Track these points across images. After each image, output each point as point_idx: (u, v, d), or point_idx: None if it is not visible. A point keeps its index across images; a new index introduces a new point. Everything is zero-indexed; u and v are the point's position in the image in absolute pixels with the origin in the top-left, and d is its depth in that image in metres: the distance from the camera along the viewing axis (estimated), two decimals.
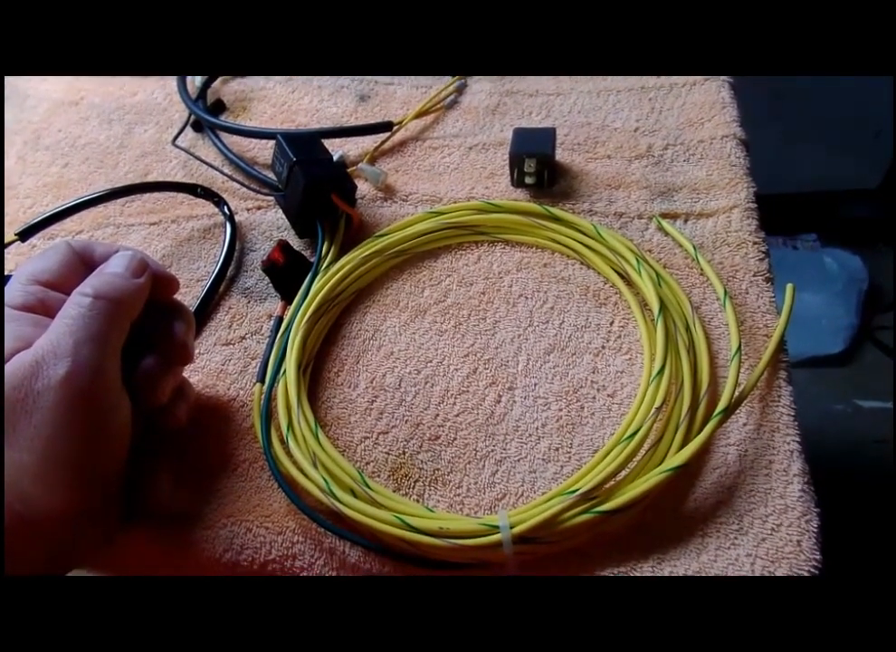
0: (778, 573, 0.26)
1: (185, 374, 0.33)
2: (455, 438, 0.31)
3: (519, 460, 0.30)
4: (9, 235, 0.39)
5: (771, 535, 0.26)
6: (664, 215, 0.38)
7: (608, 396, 0.32)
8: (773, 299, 0.34)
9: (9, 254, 0.42)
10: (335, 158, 0.41)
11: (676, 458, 0.27)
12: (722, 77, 0.44)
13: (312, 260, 0.37)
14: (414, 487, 0.30)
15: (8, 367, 0.24)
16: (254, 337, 0.36)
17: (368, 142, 0.45)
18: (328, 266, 0.37)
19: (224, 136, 0.46)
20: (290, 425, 0.31)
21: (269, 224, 0.42)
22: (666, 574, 0.26)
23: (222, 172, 0.44)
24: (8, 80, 0.55)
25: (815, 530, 0.26)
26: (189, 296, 0.38)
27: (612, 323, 0.34)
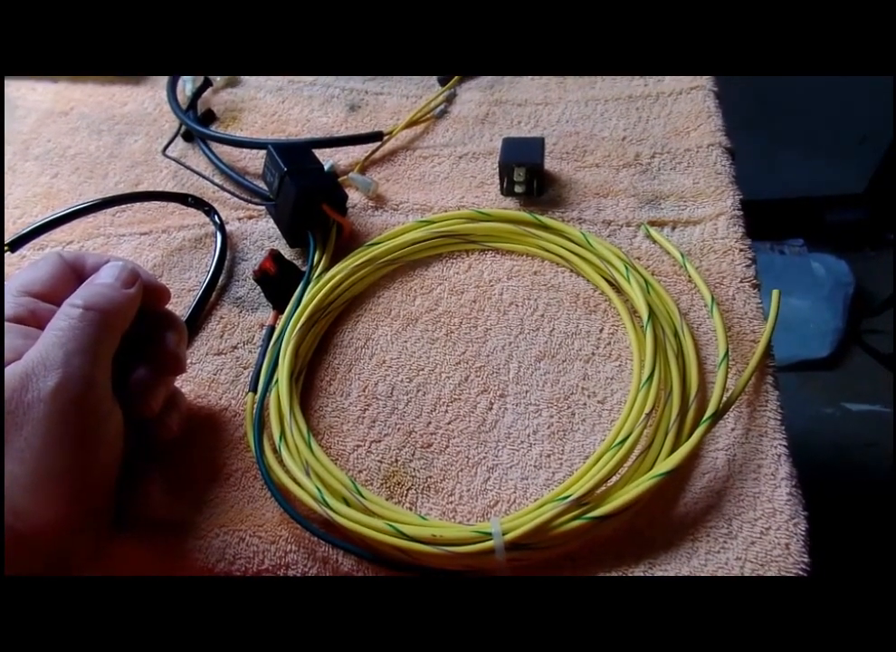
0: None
1: (177, 384, 0.33)
2: (447, 446, 0.31)
3: (511, 467, 0.30)
4: None
5: (760, 539, 0.27)
6: (652, 223, 0.38)
7: (599, 402, 0.32)
8: (760, 305, 0.34)
9: None
10: (326, 167, 0.42)
11: (666, 463, 0.28)
12: (707, 87, 0.44)
13: (304, 269, 0.37)
14: (406, 495, 0.30)
15: None
16: (246, 346, 0.36)
17: (359, 152, 0.45)
18: (319, 275, 0.37)
19: (215, 146, 0.46)
20: (282, 434, 0.31)
21: (260, 233, 0.42)
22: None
23: (212, 182, 0.44)
24: None
25: (803, 533, 0.27)
26: (180, 306, 0.38)
27: (602, 330, 0.34)
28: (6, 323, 0.26)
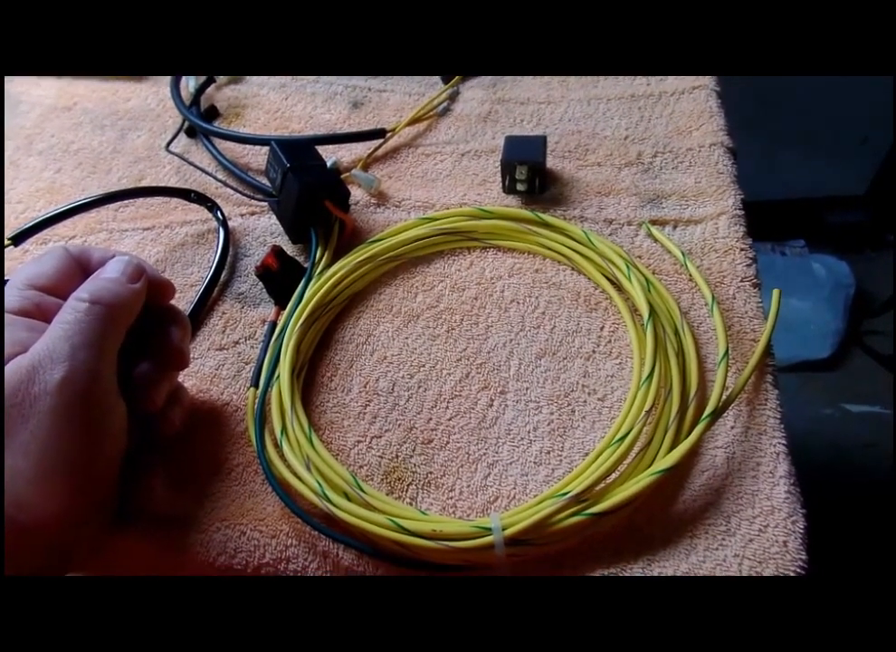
0: (765, 574, 0.26)
1: (179, 379, 0.34)
2: (448, 442, 0.32)
3: (511, 463, 0.31)
4: None
5: (758, 536, 0.27)
6: (654, 222, 0.38)
7: (599, 399, 0.32)
8: (760, 304, 0.34)
9: None
10: (328, 164, 0.42)
11: (665, 461, 0.28)
12: (710, 86, 0.44)
13: (306, 265, 0.37)
14: (407, 490, 0.30)
15: (5, 371, 0.24)
16: (248, 342, 0.36)
17: (362, 149, 0.45)
18: (321, 272, 0.37)
19: (218, 142, 0.47)
20: (283, 429, 0.31)
21: (262, 229, 0.42)
22: (656, 575, 0.27)
23: (215, 178, 0.44)
24: None
25: (801, 531, 0.27)
26: (183, 301, 0.38)
27: (602, 328, 0.35)
28: (12, 316, 0.26)
